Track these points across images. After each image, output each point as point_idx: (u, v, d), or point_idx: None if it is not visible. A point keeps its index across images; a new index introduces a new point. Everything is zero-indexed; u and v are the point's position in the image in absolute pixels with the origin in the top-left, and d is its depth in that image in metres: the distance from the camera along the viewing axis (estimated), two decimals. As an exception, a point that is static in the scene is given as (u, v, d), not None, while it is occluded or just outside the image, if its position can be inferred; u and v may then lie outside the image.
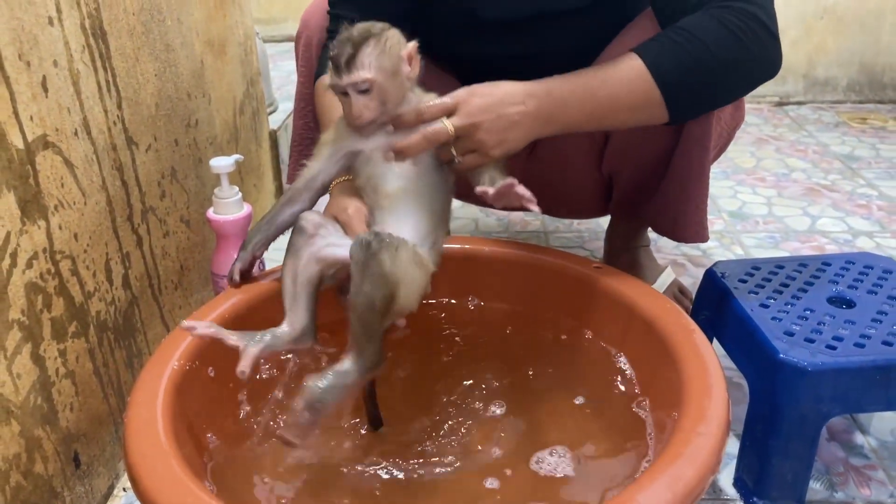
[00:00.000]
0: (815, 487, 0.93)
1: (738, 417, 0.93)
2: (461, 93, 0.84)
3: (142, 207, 1.04)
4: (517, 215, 1.70)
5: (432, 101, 0.84)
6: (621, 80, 0.86)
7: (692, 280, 1.42)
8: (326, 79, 0.81)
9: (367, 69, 0.78)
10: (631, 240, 1.30)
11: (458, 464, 0.82)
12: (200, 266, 1.23)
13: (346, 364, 0.75)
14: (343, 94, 0.80)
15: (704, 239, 1.10)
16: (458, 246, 1.05)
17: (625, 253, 1.29)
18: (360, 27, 0.79)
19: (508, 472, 0.81)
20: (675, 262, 1.47)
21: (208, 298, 1.18)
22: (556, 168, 1.15)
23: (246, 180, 1.47)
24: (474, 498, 0.79)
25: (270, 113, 1.72)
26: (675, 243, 1.52)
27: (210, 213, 1.12)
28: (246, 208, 1.13)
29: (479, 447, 0.85)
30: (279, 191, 1.68)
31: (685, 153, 1.03)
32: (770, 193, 1.78)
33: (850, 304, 0.96)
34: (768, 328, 0.90)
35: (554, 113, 0.86)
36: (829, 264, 1.05)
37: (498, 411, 0.89)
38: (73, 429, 0.87)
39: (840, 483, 0.94)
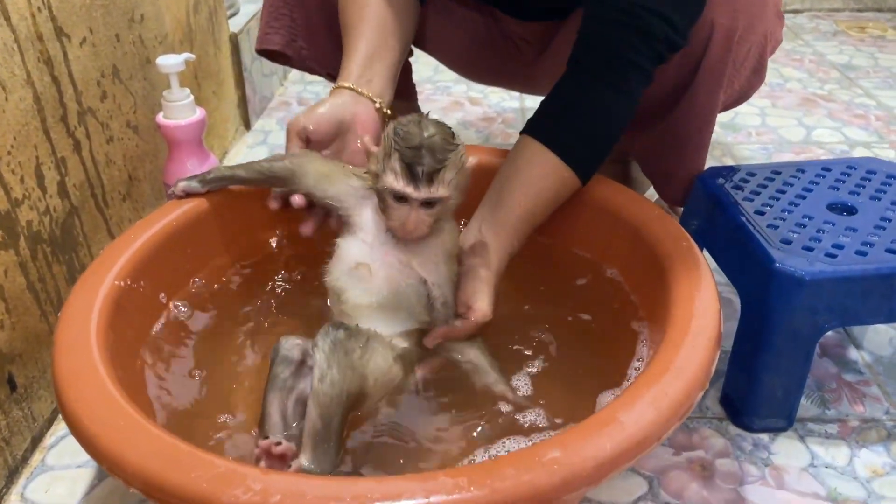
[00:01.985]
0: (806, 405, 0.88)
1: (728, 334, 0.87)
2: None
3: (78, 108, 0.93)
4: (498, 127, 1.61)
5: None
6: (547, 187, 0.84)
7: (680, 192, 1.34)
8: None
9: (446, 186, 0.70)
10: (620, 153, 1.21)
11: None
12: (152, 177, 1.14)
13: (304, 463, 0.64)
14: (400, 199, 0.71)
15: (681, 204, 1.03)
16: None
17: (614, 164, 1.21)
18: (438, 128, 0.70)
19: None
20: (663, 174, 1.39)
21: (160, 211, 1.09)
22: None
23: (204, 86, 1.36)
24: (475, 399, 0.75)
25: (231, 16, 1.59)
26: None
27: (160, 117, 1.02)
28: (199, 112, 1.03)
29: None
30: (242, 100, 1.57)
31: (687, 113, 0.95)
32: (764, 104, 1.69)
33: (851, 211, 0.89)
34: (764, 236, 0.83)
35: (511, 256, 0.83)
36: (828, 170, 0.97)
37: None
38: (4, 348, 0.80)
39: (832, 400, 0.89)
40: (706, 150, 1.00)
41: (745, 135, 1.55)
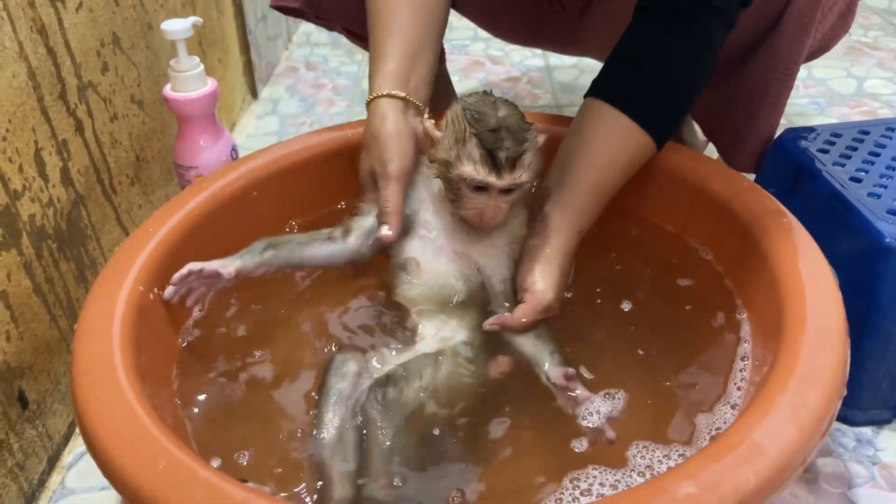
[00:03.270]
0: (908, 392, 0.80)
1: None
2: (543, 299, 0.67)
3: (78, 83, 0.82)
4: (524, 88, 1.49)
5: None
6: (620, 155, 0.73)
7: (732, 154, 1.24)
8: None
9: (527, 170, 0.64)
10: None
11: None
12: (161, 156, 1.03)
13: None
14: (479, 188, 0.64)
15: (752, 170, 0.91)
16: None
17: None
18: (510, 107, 0.64)
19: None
20: (711, 135, 1.28)
21: (174, 194, 0.99)
22: (618, 16, 0.93)
23: (208, 54, 1.24)
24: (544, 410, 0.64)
25: (233, -25, 1.46)
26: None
27: (167, 90, 0.91)
28: (210, 83, 0.92)
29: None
30: (248, 67, 1.45)
31: (764, 67, 0.84)
32: (805, 54, 1.57)
33: (956, 174, 0.79)
34: (866, 206, 0.74)
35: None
36: (921, 127, 0.87)
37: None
38: (12, 362, 0.70)
39: (935, 385, 0.81)
40: (783, 108, 0.89)
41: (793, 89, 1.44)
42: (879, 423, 0.77)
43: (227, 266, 0.67)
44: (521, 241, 0.70)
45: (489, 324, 0.66)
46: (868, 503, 0.69)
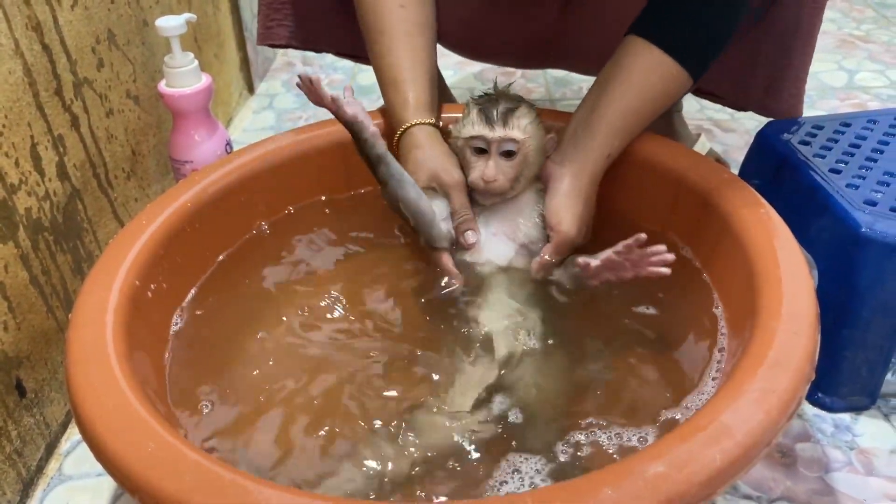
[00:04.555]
0: (887, 378, 0.81)
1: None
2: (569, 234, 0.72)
3: (73, 79, 0.84)
4: (519, 82, 1.51)
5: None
6: (653, 83, 0.75)
7: (722, 147, 1.25)
8: None
9: (521, 130, 0.71)
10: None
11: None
12: (157, 151, 1.05)
13: None
14: (479, 151, 0.72)
15: (799, 113, 0.92)
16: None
17: (657, 119, 1.10)
18: (508, 94, 0.75)
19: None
20: (701, 128, 1.30)
21: (170, 188, 1.01)
22: (600, 19, 0.94)
23: (204, 49, 1.26)
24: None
25: (229, -29, 1.48)
26: (698, 106, 1.35)
27: (162, 86, 0.93)
28: (204, 79, 0.94)
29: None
30: (244, 62, 1.47)
31: (794, 3, 0.85)
32: (798, 47, 1.58)
33: (935, 165, 0.81)
34: (845, 197, 0.75)
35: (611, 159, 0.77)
36: (903, 119, 0.89)
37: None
38: (10, 352, 0.72)
39: (914, 372, 0.82)
40: (815, 42, 0.90)
41: (783, 82, 1.45)
42: (858, 409, 0.78)
43: (367, 128, 0.71)
44: (539, 221, 0.75)
45: (536, 270, 0.72)
46: (845, 487, 0.71)
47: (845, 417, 0.77)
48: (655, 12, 0.75)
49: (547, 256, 0.72)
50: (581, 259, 0.67)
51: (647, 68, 0.74)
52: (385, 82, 0.81)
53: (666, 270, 0.63)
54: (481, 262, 0.74)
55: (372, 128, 0.71)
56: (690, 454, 0.48)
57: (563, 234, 0.71)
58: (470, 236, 0.73)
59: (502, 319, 0.68)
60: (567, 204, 0.72)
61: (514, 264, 0.74)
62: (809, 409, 0.79)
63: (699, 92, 1.01)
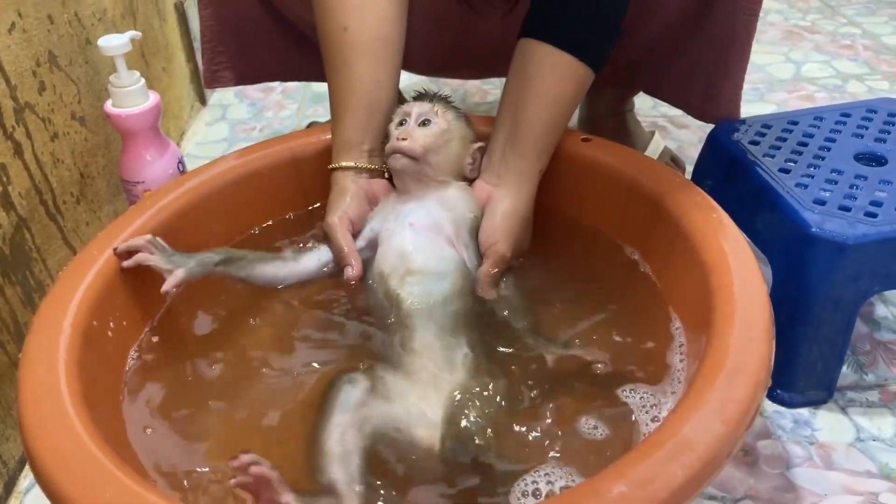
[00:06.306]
0: (843, 371, 0.83)
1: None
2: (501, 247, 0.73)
3: (14, 105, 0.82)
4: (474, 84, 1.51)
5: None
6: (567, 90, 0.76)
7: (676, 144, 1.27)
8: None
9: (443, 116, 0.75)
10: (619, 103, 1.12)
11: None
12: (107, 172, 1.03)
13: None
14: (399, 123, 0.76)
15: (736, 115, 0.94)
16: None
17: (610, 119, 1.12)
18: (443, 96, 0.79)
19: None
20: (655, 125, 1.31)
21: (122, 209, 1.00)
22: None
23: (152, 63, 1.23)
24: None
25: (174, -19, 1.45)
26: (652, 103, 1.36)
27: (108, 106, 0.91)
28: (152, 98, 0.92)
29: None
30: (194, 74, 1.44)
31: (729, 12, 0.87)
32: (746, 40, 1.61)
33: (880, 161, 0.83)
34: (794, 197, 0.76)
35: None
36: (848, 115, 0.91)
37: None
38: (-40, 392, 0.70)
39: (868, 364, 0.84)
40: (751, 48, 0.91)
41: (733, 75, 1.48)
42: (816, 403, 0.80)
43: (175, 277, 0.68)
44: (468, 220, 0.74)
45: (482, 289, 0.71)
46: (806, 482, 0.72)
47: (804, 412, 0.79)
48: (545, 11, 0.75)
49: (482, 275, 0.71)
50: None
51: (556, 75, 0.74)
52: (331, 109, 0.81)
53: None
54: (393, 251, 0.72)
55: (195, 268, 0.69)
56: (652, 472, 0.48)
57: (499, 253, 0.72)
58: (347, 271, 0.73)
59: (436, 374, 0.63)
60: (505, 226, 0.73)
61: (433, 258, 0.71)
62: (769, 406, 0.80)
63: (637, 86, 1.04)
